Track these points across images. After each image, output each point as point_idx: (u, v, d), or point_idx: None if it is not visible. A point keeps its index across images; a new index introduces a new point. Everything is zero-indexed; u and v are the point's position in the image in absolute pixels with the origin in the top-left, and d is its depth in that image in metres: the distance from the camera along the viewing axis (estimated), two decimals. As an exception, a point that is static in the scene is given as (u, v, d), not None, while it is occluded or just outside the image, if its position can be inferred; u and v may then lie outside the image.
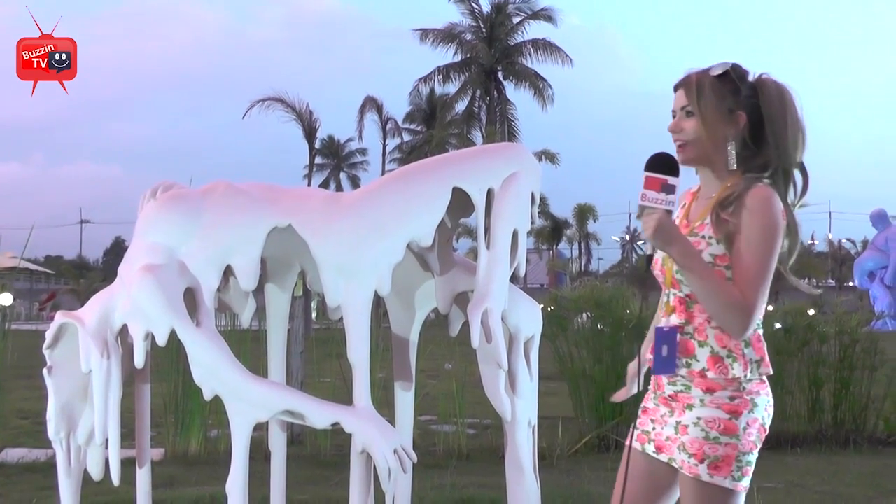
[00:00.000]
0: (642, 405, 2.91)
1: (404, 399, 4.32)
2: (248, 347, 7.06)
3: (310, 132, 49.27)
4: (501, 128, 45.45)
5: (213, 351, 3.68)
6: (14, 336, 8.91)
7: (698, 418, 2.70)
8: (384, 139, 53.59)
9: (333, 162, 62.54)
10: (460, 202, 4.00)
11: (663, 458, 2.81)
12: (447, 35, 48.20)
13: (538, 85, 46.15)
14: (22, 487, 6.52)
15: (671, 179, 2.59)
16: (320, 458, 7.62)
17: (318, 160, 56.27)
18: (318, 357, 9.17)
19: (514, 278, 4.14)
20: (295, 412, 3.69)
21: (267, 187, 4.03)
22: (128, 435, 4.30)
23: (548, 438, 8.00)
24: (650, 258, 2.74)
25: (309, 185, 43.33)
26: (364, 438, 3.70)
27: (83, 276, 57.72)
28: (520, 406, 4.06)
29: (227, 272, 3.89)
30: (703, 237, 2.75)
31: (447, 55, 48.27)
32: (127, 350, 3.94)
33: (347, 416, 3.73)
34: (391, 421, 4.06)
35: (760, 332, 2.83)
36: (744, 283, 2.64)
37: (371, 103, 52.17)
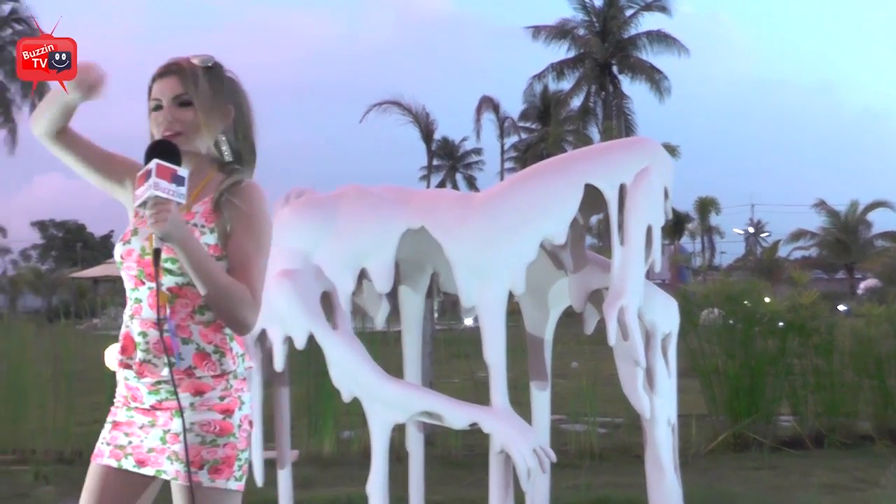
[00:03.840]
0: (110, 419, 2.68)
1: (540, 398, 4.29)
2: (377, 349, 7.12)
3: (427, 134, 49.59)
4: (618, 122, 44.92)
5: (351, 354, 3.71)
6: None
7: (192, 423, 2.56)
8: (502, 138, 53.60)
9: (449, 163, 62.73)
10: (592, 199, 3.94)
11: (148, 471, 2.62)
12: (559, 31, 47.88)
13: (654, 77, 45.49)
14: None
15: (181, 171, 2.45)
16: (451, 459, 7.62)
17: (433, 162, 56.64)
18: (443, 358, 9.19)
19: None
20: (433, 413, 3.70)
21: (397, 189, 4.05)
22: (267, 437, 4.38)
23: (681, 436, 7.84)
24: (158, 252, 2.51)
25: (427, 187, 43.62)
26: (503, 438, 3.68)
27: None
28: (658, 404, 3.99)
29: (360, 275, 3.91)
30: (195, 226, 2.63)
31: (560, 51, 48.01)
32: (265, 354, 4.00)
33: (486, 416, 3.72)
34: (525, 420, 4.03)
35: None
36: (250, 276, 2.58)
37: (487, 103, 52.21)
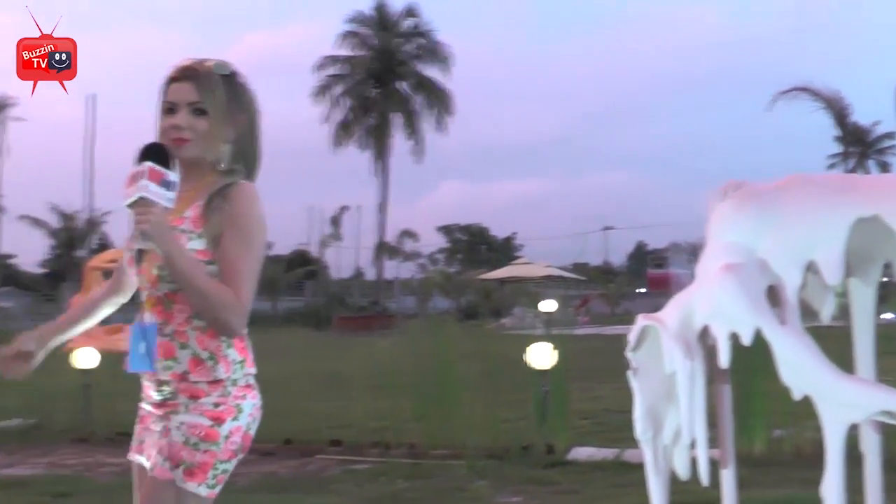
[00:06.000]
0: (140, 414, 2.77)
1: None
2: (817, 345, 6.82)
3: (840, 119, 47.12)
4: None
5: (802, 350, 3.59)
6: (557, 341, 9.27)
7: (181, 423, 2.61)
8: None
9: (859, 150, 58.99)
10: None
11: (148, 464, 2.68)
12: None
13: None
14: (594, 486, 6.82)
15: (171, 175, 2.50)
16: None
17: (841, 149, 53.84)
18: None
19: None
20: (893, 413, 3.47)
21: (843, 177, 3.87)
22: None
23: None
24: (141, 253, 2.55)
25: (839, 175, 41.53)
26: (977, 442, 3.39)
27: (610, 280, 59.62)
28: None
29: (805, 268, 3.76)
30: (184, 231, 2.63)
31: None
32: (707, 350, 3.95)
33: (956, 417, 3.44)
34: None
35: (244, 331, 2.72)
36: (237, 280, 2.57)
37: (915, 81, 48.65)
